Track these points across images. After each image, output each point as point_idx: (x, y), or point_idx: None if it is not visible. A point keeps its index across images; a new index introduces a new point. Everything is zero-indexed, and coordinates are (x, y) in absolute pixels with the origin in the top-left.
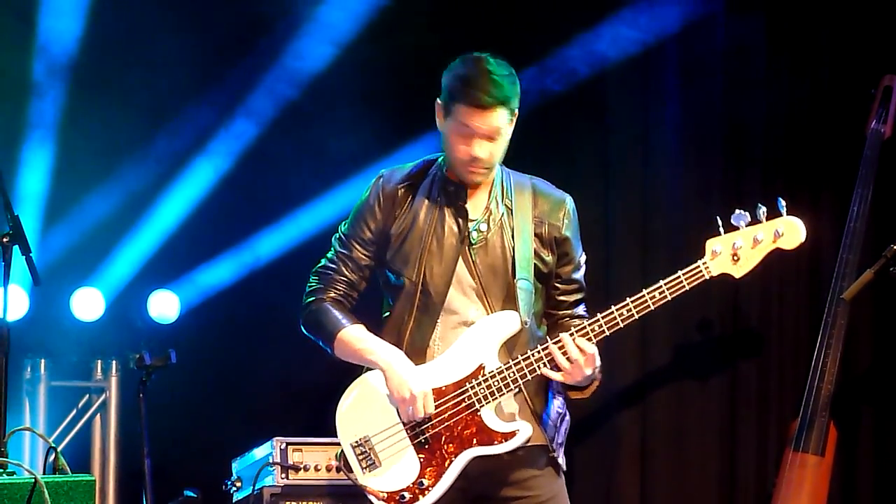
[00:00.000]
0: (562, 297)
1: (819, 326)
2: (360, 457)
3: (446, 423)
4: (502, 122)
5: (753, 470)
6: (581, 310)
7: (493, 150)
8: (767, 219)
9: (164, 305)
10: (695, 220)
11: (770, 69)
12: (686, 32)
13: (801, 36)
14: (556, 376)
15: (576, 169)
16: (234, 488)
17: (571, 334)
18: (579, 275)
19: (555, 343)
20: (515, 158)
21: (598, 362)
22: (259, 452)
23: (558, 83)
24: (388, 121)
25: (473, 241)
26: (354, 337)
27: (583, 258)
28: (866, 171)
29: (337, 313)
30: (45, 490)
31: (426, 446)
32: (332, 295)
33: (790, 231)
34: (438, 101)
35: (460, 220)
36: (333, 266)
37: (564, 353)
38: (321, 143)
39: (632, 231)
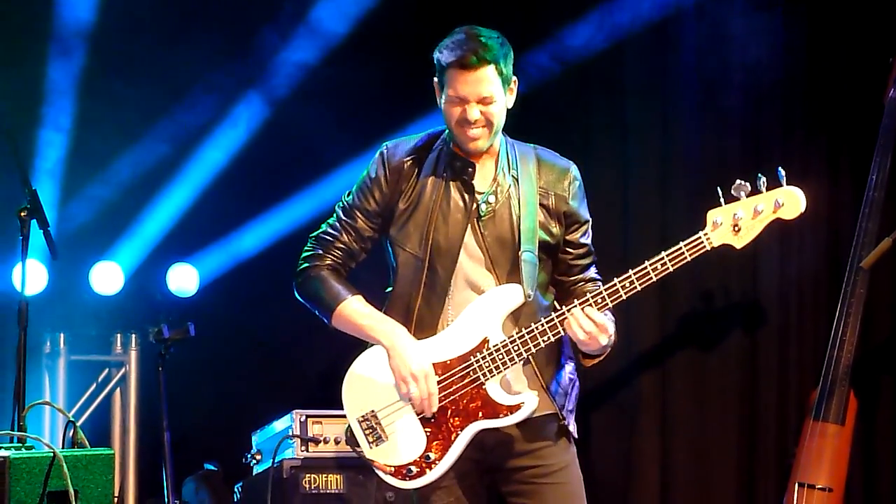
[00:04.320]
0: (574, 262)
1: (838, 295)
2: (367, 431)
3: (452, 397)
4: (491, 83)
5: (774, 439)
6: (593, 272)
7: (485, 113)
8: (767, 189)
9: (184, 279)
10: (713, 189)
11: (788, 39)
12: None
13: (819, 4)
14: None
15: (594, 137)
16: (254, 461)
17: (581, 303)
18: (588, 238)
19: (563, 314)
20: (534, 128)
21: (611, 330)
22: (279, 425)
23: (576, 51)
24: (413, 90)
25: (482, 214)
26: (355, 310)
27: (589, 222)
28: (885, 139)
29: (336, 283)
30: (64, 464)
31: (432, 420)
32: (329, 262)
33: (790, 201)
34: (435, 80)
35: (466, 196)
36: (334, 233)
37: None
38: (342, 114)
39: (650, 200)
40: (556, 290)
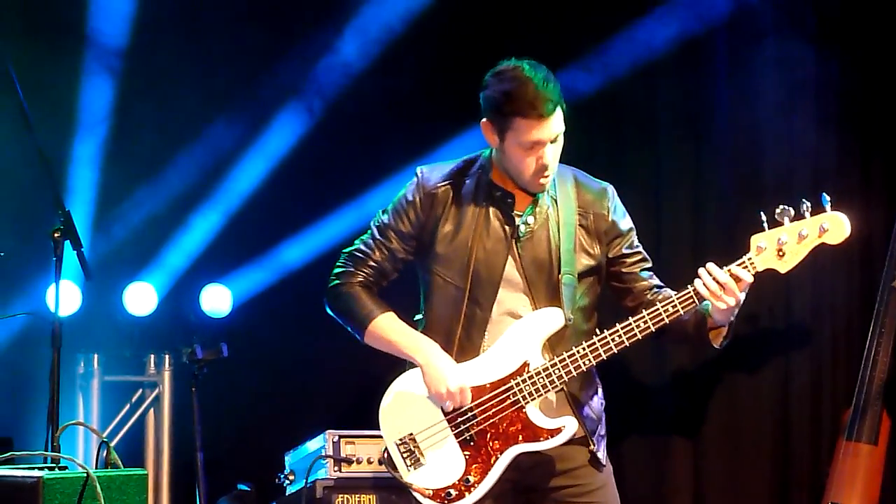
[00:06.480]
0: (629, 270)
1: (871, 315)
2: (405, 454)
3: (491, 420)
4: (560, 121)
5: (807, 459)
6: (656, 280)
7: (556, 152)
8: (812, 214)
9: (217, 299)
10: (746, 213)
11: (819, 55)
12: (734, 21)
13: (850, 21)
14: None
15: (626, 165)
16: (287, 481)
17: (727, 269)
18: (638, 245)
19: (605, 338)
20: (564, 150)
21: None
22: (312, 445)
23: (608, 77)
24: (446, 111)
25: (521, 235)
26: (389, 327)
27: (633, 230)
28: None
29: (368, 300)
30: (98, 485)
31: (471, 443)
32: (361, 279)
33: (835, 226)
34: (485, 120)
35: (507, 227)
36: (367, 250)
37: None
38: (376, 134)
39: (682, 221)
40: (630, 306)
